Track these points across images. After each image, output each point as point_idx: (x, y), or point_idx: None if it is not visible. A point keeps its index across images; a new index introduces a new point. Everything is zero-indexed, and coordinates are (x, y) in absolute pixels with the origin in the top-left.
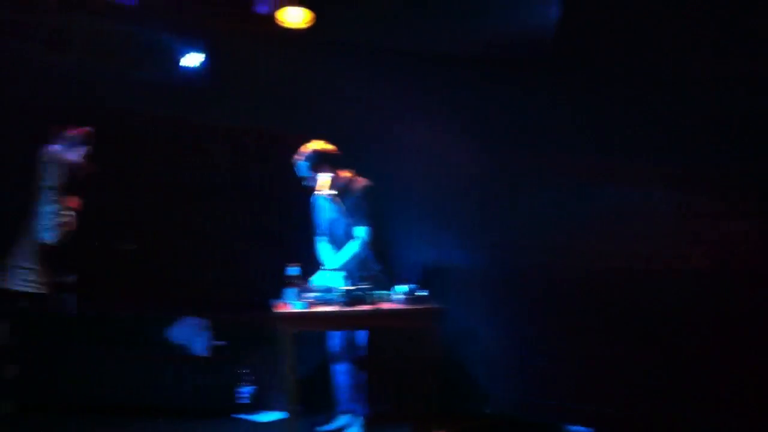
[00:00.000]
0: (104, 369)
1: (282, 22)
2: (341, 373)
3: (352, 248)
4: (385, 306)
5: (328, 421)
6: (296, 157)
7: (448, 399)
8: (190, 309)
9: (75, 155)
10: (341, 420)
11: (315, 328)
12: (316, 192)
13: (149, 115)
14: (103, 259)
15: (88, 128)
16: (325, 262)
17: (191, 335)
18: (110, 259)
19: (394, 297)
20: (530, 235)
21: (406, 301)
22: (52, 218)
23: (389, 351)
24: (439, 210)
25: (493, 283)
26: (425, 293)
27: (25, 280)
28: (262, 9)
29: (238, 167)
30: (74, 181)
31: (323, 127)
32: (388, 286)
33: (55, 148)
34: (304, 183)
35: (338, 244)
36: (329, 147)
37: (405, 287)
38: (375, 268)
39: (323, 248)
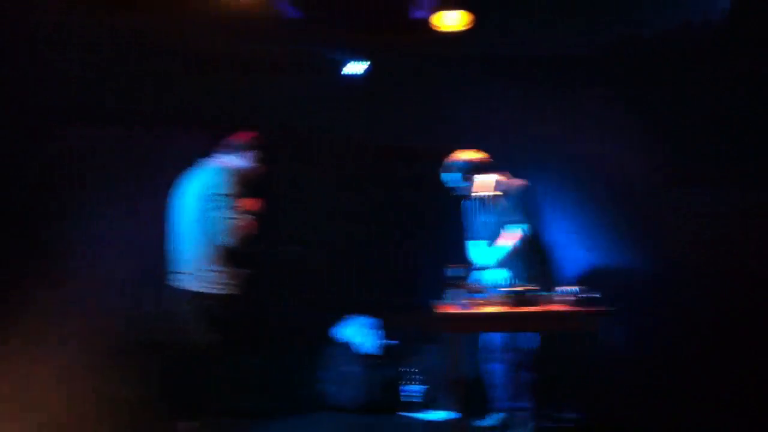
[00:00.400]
0: (275, 368)
1: (439, 27)
2: (497, 372)
3: (509, 245)
4: (553, 308)
5: (484, 419)
6: (448, 164)
7: (611, 402)
8: (357, 309)
9: (245, 161)
10: (495, 419)
11: (478, 329)
12: (470, 196)
13: (312, 126)
14: (271, 261)
15: (253, 133)
16: (479, 263)
17: (362, 334)
18: (278, 261)
19: (560, 298)
20: (693, 233)
21: (573, 302)
22: (229, 223)
23: (551, 352)
24: (597, 211)
25: (655, 283)
26: (596, 295)
27: (214, 282)
28: (419, 14)
29: (399, 173)
30: (248, 185)
31: (476, 132)
32: (552, 287)
33: (225, 156)
34: (456, 191)
35: (491, 245)
36: (481, 155)
37: (572, 289)
38: (537, 267)
39: (476, 251)
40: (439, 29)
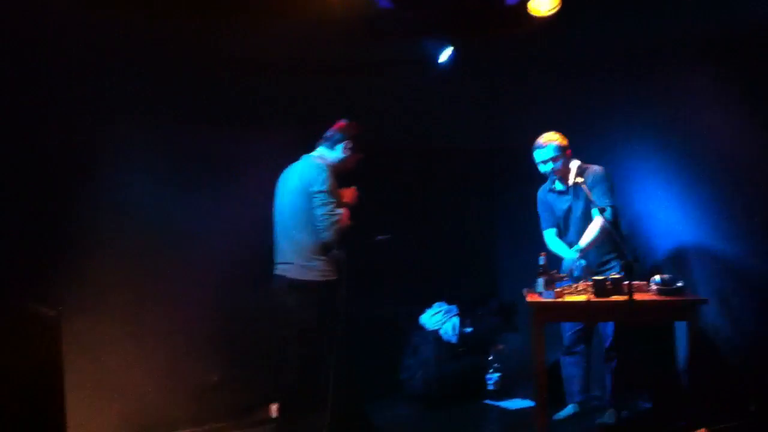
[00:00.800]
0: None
1: (534, 12)
2: (571, 364)
3: (595, 232)
4: (641, 297)
5: (564, 409)
6: (537, 146)
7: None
8: (439, 299)
9: (341, 152)
10: (574, 407)
11: (565, 318)
12: (554, 180)
13: (403, 122)
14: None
15: (344, 121)
16: (563, 251)
17: (442, 322)
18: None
19: (649, 287)
20: None
21: (661, 291)
22: (328, 218)
23: (639, 342)
24: (688, 197)
25: (753, 273)
26: (681, 284)
27: (320, 270)
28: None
29: (486, 165)
30: (345, 175)
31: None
32: (640, 275)
33: (323, 148)
34: (545, 170)
35: (573, 233)
36: (564, 140)
37: (660, 277)
38: (624, 254)
39: (553, 240)
40: (534, 14)
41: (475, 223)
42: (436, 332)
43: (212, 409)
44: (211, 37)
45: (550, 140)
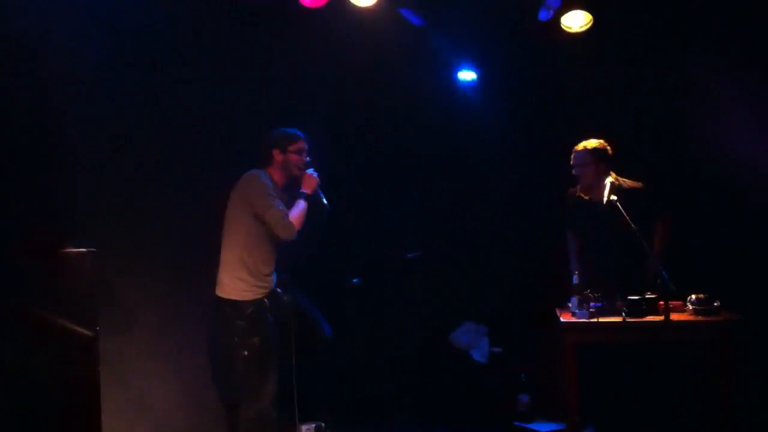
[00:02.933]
0: (386, 372)
1: (567, 28)
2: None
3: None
4: (677, 317)
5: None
6: (576, 147)
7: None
8: (469, 317)
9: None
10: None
11: (598, 339)
12: (581, 194)
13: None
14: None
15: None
16: (596, 269)
17: (472, 341)
18: (395, 267)
19: (686, 307)
20: None
21: (698, 311)
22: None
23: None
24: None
25: None
26: (718, 303)
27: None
28: (544, 15)
29: (518, 179)
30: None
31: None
32: (678, 295)
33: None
34: (575, 173)
35: (606, 249)
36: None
37: (696, 296)
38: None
39: (572, 243)
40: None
41: (516, 235)
42: (466, 351)
43: None
44: None
45: (585, 145)
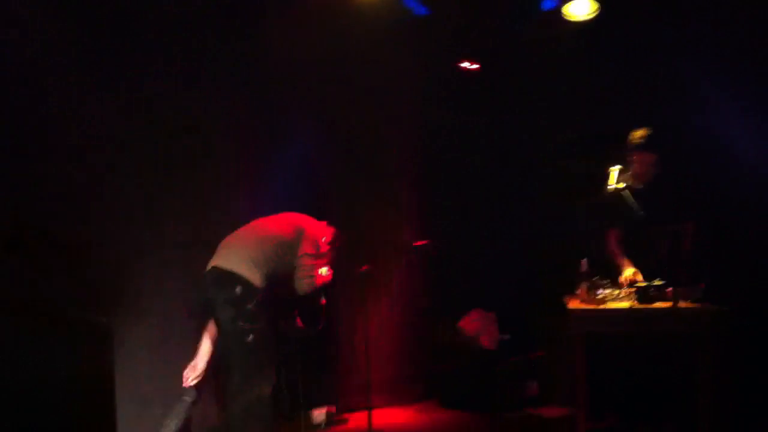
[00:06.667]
0: (394, 359)
1: (569, 17)
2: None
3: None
4: (686, 305)
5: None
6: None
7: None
8: (478, 305)
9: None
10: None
11: (605, 327)
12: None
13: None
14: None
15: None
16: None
17: (481, 329)
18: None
19: (689, 294)
20: None
21: (701, 299)
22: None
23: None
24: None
25: None
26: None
27: None
28: (548, 5)
29: (528, 169)
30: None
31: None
32: (688, 283)
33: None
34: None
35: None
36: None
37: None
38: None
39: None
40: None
41: (524, 222)
42: (475, 338)
43: None
44: None
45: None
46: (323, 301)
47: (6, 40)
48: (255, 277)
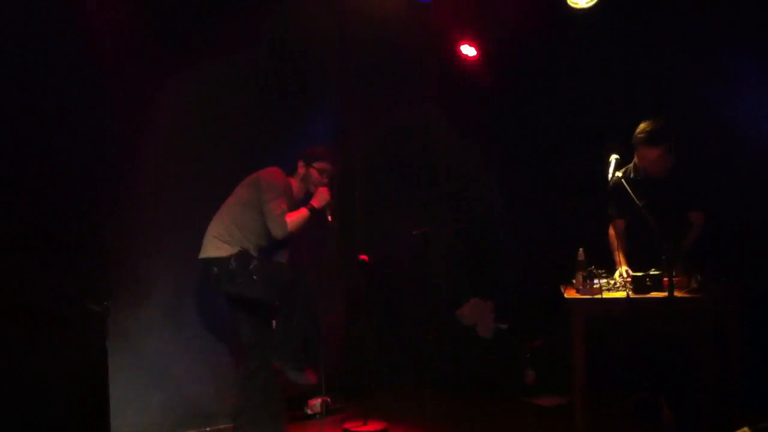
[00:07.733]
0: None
1: (572, 3)
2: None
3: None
4: (682, 294)
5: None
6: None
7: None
8: (476, 294)
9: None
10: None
11: (603, 315)
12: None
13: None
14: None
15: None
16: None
17: (478, 317)
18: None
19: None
20: None
21: (699, 289)
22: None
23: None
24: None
25: None
26: (725, 280)
27: None
28: None
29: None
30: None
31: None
32: (687, 270)
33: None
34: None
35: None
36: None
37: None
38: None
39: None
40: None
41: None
42: (472, 327)
43: None
44: None
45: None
46: (330, 218)
47: (6, 40)
48: (223, 249)
